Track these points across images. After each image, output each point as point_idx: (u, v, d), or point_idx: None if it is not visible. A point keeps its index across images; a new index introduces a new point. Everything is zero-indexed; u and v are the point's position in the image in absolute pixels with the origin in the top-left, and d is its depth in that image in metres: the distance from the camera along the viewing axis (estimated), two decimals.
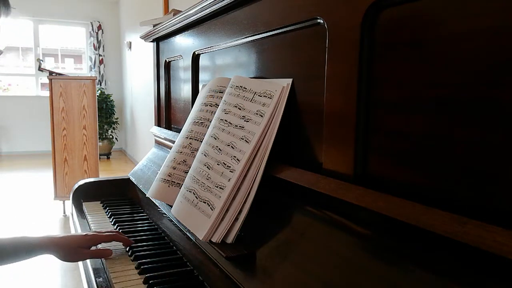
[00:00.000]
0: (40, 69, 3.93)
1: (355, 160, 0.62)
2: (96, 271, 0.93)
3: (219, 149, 0.83)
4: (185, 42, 1.29)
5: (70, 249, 0.92)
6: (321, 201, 0.65)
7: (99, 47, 7.15)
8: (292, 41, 0.78)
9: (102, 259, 0.98)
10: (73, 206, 1.44)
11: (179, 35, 1.35)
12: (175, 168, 0.99)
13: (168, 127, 1.52)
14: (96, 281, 0.89)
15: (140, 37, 1.68)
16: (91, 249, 0.97)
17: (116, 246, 1.03)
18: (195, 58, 1.24)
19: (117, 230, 1.06)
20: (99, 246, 1.01)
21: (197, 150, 0.93)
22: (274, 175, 0.75)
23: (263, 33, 0.85)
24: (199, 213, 0.80)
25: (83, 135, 3.61)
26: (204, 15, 1.07)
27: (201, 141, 0.94)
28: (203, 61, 1.22)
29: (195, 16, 1.11)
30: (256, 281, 0.66)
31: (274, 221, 0.73)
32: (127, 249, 1.02)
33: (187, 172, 0.93)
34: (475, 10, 0.46)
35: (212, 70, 1.16)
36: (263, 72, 0.89)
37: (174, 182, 0.97)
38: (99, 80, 7.10)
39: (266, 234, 0.72)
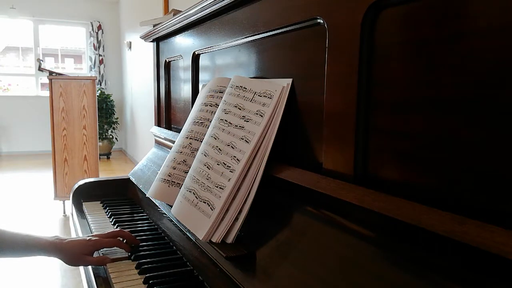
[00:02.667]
0: (40, 69, 3.93)
1: (355, 160, 0.62)
2: (96, 271, 0.93)
3: (219, 149, 0.83)
4: (185, 42, 1.29)
5: (73, 255, 0.95)
6: (321, 201, 0.65)
7: (99, 47, 7.15)
8: (292, 41, 0.78)
9: None
10: (73, 206, 1.44)
11: (179, 35, 1.35)
12: (175, 168, 0.99)
13: (168, 127, 1.52)
14: (96, 281, 0.89)
15: (140, 37, 1.68)
16: (93, 255, 0.98)
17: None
18: (195, 58, 1.24)
19: (118, 229, 1.07)
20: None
21: (197, 150, 0.93)
22: (274, 175, 0.75)
23: (263, 33, 0.85)
24: (199, 213, 0.80)
25: (83, 135, 3.61)
26: (204, 15, 1.07)
27: (201, 141, 0.94)
28: (203, 61, 1.22)
29: (195, 16, 1.11)
30: (256, 281, 0.66)
31: (274, 221, 0.73)
32: None
33: (187, 172, 0.93)
34: (476, 9, 0.46)
35: (212, 70, 1.16)
36: (263, 72, 0.89)
37: (174, 182, 0.97)
38: (99, 80, 7.10)
39: (266, 234, 0.72)
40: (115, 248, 1.01)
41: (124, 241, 1.01)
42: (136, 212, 1.35)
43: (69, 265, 0.96)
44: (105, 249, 1.01)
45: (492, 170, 0.45)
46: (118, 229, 1.07)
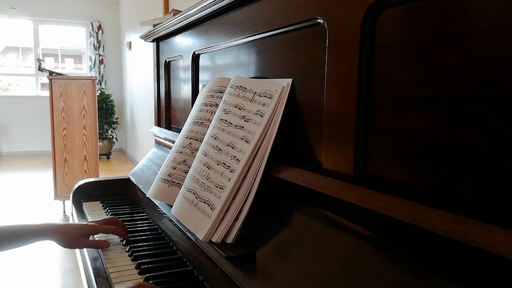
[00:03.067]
0: (40, 69, 3.93)
1: (355, 160, 0.62)
2: (96, 271, 0.93)
3: (219, 149, 0.83)
4: (185, 42, 1.29)
5: (71, 236, 0.95)
6: (321, 201, 0.65)
7: (99, 47, 7.15)
8: (292, 41, 0.78)
9: (102, 259, 0.98)
10: (73, 206, 1.44)
11: (179, 35, 1.35)
12: (175, 168, 0.99)
13: (168, 127, 1.52)
14: (96, 281, 0.89)
15: (140, 37, 1.68)
16: (90, 239, 0.99)
17: (117, 243, 1.04)
18: (195, 58, 1.24)
19: (112, 217, 1.09)
20: (96, 237, 1.04)
21: (197, 150, 0.93)
22: (274, 175, 0.75)
23: (263, 33, 0.85)
24: (199, 213, 0.80)
25: (83, 135, 3.61)
26: (204, 15, 1.07)
27: (201, 141, 0.94)
28: (203, 61, 1.22)
29: (195, 16, 1.11)
30: (256, 281, 0.66)
31: (274, 221, 0.73)
32: (127, 249, 1.02)
33: (187, 172, 0.93)
34: (476, 9, 0.46)
35: (212, 70, 1.16)
36: (263, 72, 0.89)
37: (174, 182, 0.97)
38: (99, 80, 7.10)
39: (266, 234, 0.72)
40: (114, 247, 1.01)
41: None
42: (136, 212, 1.35)
43: (66, 247, 0.95)
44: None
45: (492, 170, 0.45)
46: (111, 216, 1.09)
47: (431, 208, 0.46)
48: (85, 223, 1.01)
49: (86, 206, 1.42)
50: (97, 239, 1.04)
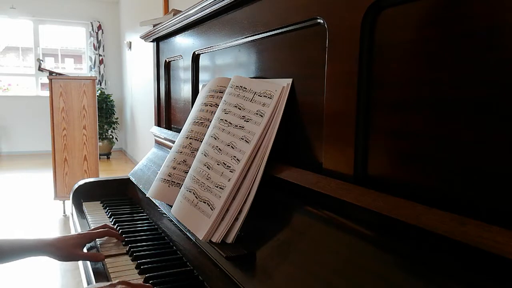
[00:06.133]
0: (40, 69, 3.93)
1: (355, 160, 0.62)
2: (96, 271, 0.93)
3: (219, 149, 0.83)
4: (185, 42, 1.29)
5: (67, 249, 0.94)
6: (321, 201, 0.65)
7: (99, 47, 7.14)
8: (292, 41, 0.78)
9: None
10: (73, 206, 1.44)
11: (179, 35, 1.35)
12: (175, 168, 0.99)
13: (168, 127, 1.52)
14: (96, 281, 0.89)
15: (140, 37, 1.68)
16: (86, 250, 0.99)
17: (118, 245, 1.04)
18: (195, 58, 1.24)
19: (103, 223, 1.09)
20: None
21: (197, 150, 0.93)
22: (274, 175, 0.75)
23: (263, 33, 0.85)
24: (199, 213, 0.80)
25: (83, 135, 3.61)
26: (204, 15, 1.07)
27: (201, 141, 0.94)
28: (203, 61, 1.22)
29: (195, 16, 1.11)
30: (256, 281, 0.66)
31: (274, 221, 0.73)
32: (127, 249, 1.02)
33: (187, 172, 0.93)
34: (476, 9, 0.46)
35: (212, 70, 1.16)
36: (263, 72, 0.89)
37: (174, 182, 0.97)
38: (99, 80, 7.10)
39: (266, 234, 0.72)
40: (110, 244, 1.03)
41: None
42: (136, 212, 1.35)
43: (62, 260, 0.95)
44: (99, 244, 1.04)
45: (492, 170, 0.45)
46: (102, 223, 1.10)
47: (431, 208, 0.46)
48: (77, 233, 1.01)
49: (86, 206, 1.42)
50: (98, 241, 1.05)
